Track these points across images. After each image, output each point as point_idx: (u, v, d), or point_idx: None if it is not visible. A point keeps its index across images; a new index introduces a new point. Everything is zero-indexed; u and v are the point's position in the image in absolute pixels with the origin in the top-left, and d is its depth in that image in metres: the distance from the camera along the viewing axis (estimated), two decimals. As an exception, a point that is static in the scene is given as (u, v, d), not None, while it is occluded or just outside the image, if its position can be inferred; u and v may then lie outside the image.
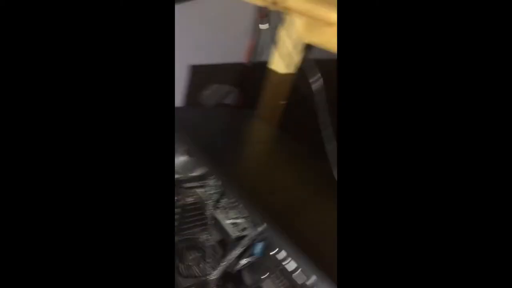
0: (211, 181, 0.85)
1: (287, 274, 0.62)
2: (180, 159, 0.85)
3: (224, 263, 0.69)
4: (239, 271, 0.85)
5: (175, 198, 0.83)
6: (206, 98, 1.14)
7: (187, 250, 0.88)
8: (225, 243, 0.89)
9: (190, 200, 0.86)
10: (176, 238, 0.90)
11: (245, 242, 0.69)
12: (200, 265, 0.86)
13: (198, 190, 0.83)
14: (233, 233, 0.74)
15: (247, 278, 0.87)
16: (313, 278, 0.53)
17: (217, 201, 0.82)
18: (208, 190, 0.84)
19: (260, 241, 0.77)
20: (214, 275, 0.68)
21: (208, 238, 0.93)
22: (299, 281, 0.58)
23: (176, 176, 0.81)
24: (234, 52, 1.13)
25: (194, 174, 0.84)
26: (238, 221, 0.78)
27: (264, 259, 0.79)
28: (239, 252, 0.69)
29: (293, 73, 1.03)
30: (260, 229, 0.68)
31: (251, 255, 0.79)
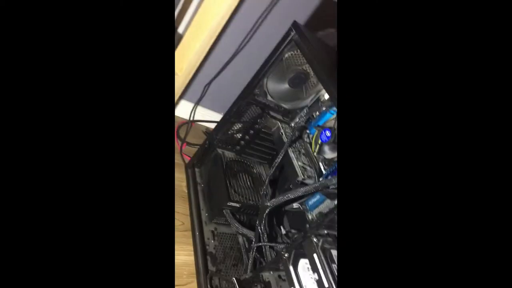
0: (295, 121, 0.84)
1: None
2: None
3: (278, 198, 0.71)
4: (285, 211, 0.88)
5: (258, 120, 0.83)
6: None
7: (240, 173, 0.91)
8: (276, 185, 0.91)
9: (266, 129, 0.87)
10: (238, 158, 0.93)
11: (306, 189, 0.69)
12: (249, 190, 0.89)
13: (282, 125, 0.83)
14: (301, 175, 0.74)
15: (287, 225, 0.90)
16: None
17: (294, 141, 0.82)
18: (289, 130, 0.84)
19: (318, 197, 0.78)
20: (267, 205, 0.70)
21: (264, 173, 0.95)
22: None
23: (269, 99, 0.81)
24: None
25: (284, 106, 0.83)
26: (308, 168, 0.78)
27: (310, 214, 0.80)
28: (294, 195, 0.70)
29: None
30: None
31: (303, 204, 0.81)
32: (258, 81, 0.75)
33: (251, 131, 0.85)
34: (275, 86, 0.77)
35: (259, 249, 0.74)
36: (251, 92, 0.76)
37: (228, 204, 0.79)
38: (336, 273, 0.53)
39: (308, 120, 0.84)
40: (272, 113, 0.83)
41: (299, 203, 0.81)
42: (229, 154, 0.92)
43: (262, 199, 0.75)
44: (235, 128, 0.91)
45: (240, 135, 0.90)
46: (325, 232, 0.58)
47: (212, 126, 1.18)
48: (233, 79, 1.06)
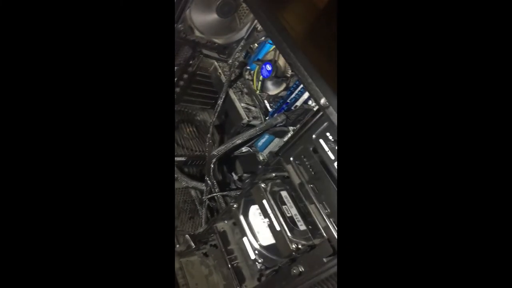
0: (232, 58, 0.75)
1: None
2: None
3: (224, 146, 0.65)
4: (235, 157, 0.84)
5: (190, 61, 0.73)
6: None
7: (182, 123, 0.84)
8: (223, 129, 0.85)
9: (202, 71, 0.77)
10: (177, 107, 0.84)
11: (252, 132, 0.65)
12: (195, 140, 0.83)
13: (218, 63, 0.73)
14: (245, 117, 0.69)
15: (240, 169, 0.87)
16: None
17: (234, 81, 0.74)
18: (228, 68, 0.75)
19: (266, 136, 0.74)
20: (213, 154, 0.65)
21: (208, 119, 0.87)
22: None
23: (198, 35, 0.69)
24: None
25: (217, 42, 0.73)
26: (252, 108, 0.72)
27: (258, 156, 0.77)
28: (240, 140, 0.65)
29: None
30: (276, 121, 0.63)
31: (252, 146, 0.77)
32: (180, 14, 0.63)
33: (185, 75, 0.75)
34: (202, 18, 0.66)
35: (214, 199, 0.71)
36: (174, 29, 0.64)
37: (172, 159, 0.72)
38: (288, 214, 0.52)
39: (247, 55, 0.75)
40: (205, 51, 0.73)
41: (248, 146, 0.77)
42: (166, 104, 0.82)
43: (208, 149, 0.69)
44: (167, 73, 0.79)
45: (175, 80, 0.80)
46: (273, 175, 0.55)
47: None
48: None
